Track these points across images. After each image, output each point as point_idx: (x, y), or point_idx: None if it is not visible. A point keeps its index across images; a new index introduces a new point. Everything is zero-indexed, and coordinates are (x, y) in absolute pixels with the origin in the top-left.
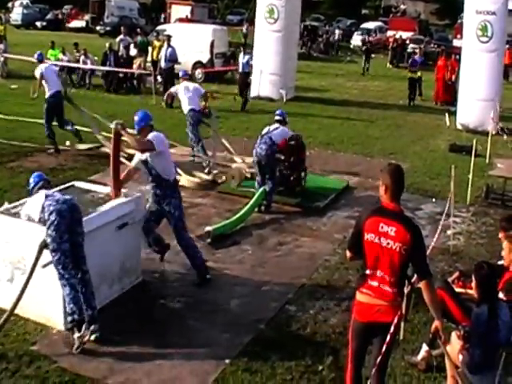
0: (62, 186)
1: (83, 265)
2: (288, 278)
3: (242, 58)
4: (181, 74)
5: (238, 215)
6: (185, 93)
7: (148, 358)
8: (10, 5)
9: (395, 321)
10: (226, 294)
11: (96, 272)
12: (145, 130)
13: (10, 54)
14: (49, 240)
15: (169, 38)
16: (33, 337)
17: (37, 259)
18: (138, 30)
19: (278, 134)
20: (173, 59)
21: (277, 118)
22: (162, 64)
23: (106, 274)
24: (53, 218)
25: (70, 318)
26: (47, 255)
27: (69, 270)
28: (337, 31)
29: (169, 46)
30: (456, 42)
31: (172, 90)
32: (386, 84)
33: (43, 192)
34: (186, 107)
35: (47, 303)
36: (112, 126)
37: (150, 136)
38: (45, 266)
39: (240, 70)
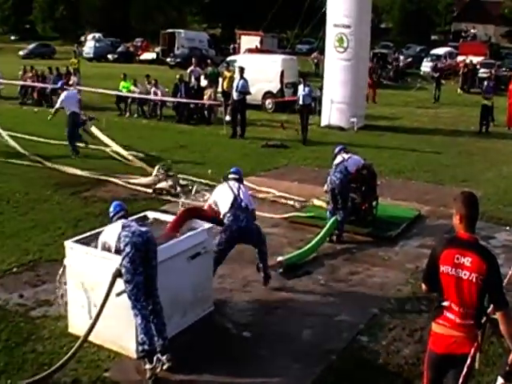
0: (135, 216)
1: (155, 296)
2: (359, 308)
3: (303, 90)
4: None
5: (309, 245)
6: None
7: None
8: (82, 38)
9: (472, 352)
10: (298, 324)
11: (168, 301)
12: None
13: (82, 86)
14: (123, 271)
15: (242, 69)
16: (106, 363)
17: (110, 288)
18: (209, 60)
19: (351, 163)
20: (245, 91)
21: (341, 148)
22: (234, 95)
23: (178, 304)
24: (128, 249)
25: (140, 348)
26: (121, 284)
27: (141, 301)
28: (403, 57)
29: (241, 77)
30: None
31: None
32: (457, 110)
33: (120, 222)
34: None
35: (120, 331)
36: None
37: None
38: (118, 294)
39: (300, 101)
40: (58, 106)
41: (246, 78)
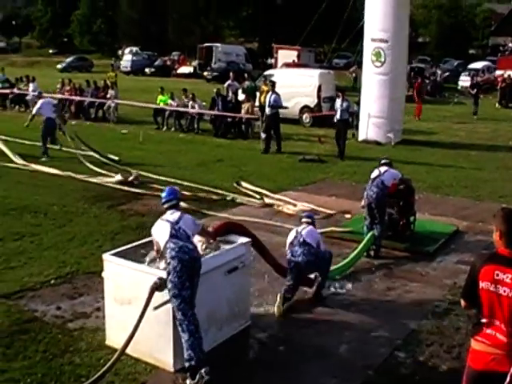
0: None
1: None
2: (397, 324)
3: (340, 105)
4: None
5: (347, 260)
6: None
7: None
8: (119, 52)
9: (511, 370)
10: (335, 339)
11: (205, 315)
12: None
13: (120, 99)
14: (170, 286)
15: (273, 83)
16: (142, 376)
17: (148, 301)
18: (246, 75)
19: (388, 177)
20: (277, 105)
21: (383, 161)
22: (267, 110)
23: (216, 318)
24: (175, 264)
25: (187, 364)
26: (159, 297)
27: (188, 315)
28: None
29: (273, 92)
30: None
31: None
32: (495, 125)
33: (170, 225)
34: None
35: (157, 344)
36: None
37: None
38: (156, 308)
39: (338, 116)
40: (34, 112)
41: (277, 93)
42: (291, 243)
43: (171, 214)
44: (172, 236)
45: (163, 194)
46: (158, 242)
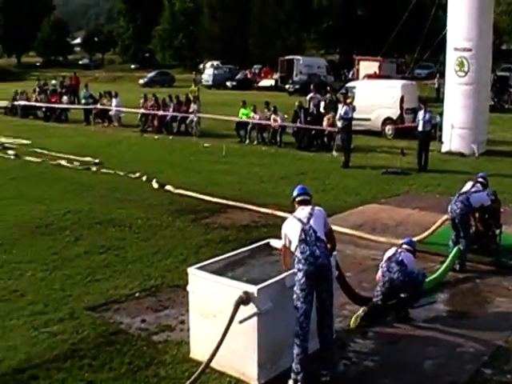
0: (257, 244)
1: (326, 318)
2: (483, 340)
3: (423, 116)
4: None
5: (435, 275)
6: None
7: None
8: (201, 66)
9: None
10: (420, 354)
11: (291, 330)
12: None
13: (202, 113)
14: (294, 296)
15: (344, 96)
16: None
17: (233, 315)
18: (328, 88)
19: (477, 199)
20: (347, 117)
21: (480, 179)
22: (338, 123)
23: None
24: (300, 276)
25: (293, 376)
26: (244, 311)
27: (305, 329)
28: None
29: (345, 103)
30: None
31: None
32: None
33: (300, 226)
34: None
35: (242, 358)
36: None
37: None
38: (242, 321)
39: (420, 128)
40: None
41: (348, 105)
42: (389, 258)
43: (302, 210)
44: (301, 241)
45: (294, 192)
46: (290, 239)
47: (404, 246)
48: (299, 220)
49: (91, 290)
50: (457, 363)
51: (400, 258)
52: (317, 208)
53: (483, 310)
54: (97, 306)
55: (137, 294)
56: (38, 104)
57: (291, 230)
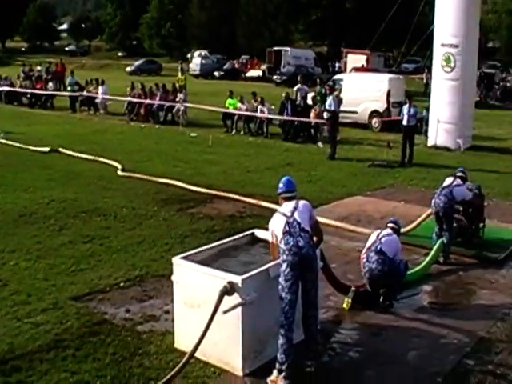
0: (242, 234)
1: (311, 309)
2: (466, 331)
3: (408, 110)
4: None
5: (418, 267)
6: None
7: None
8: (188, 55)
9: None
10: (403, 345)
11: (274, 321)
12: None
13: (189, 103)
14: (279, 287)
15: (331, 87)
16: (211, 380)
17: (217, 305)
18: (318, 80)
19: (459, 193)
20: (332, 110)
21: (459, 174)
22: (324, 115)
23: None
24: (284, 267)
25: (278, 366)
26: (228, 301)
27: (290, 320)
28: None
29: (330, 95)
30: None
31: None
32: None
33: (285, 219)
34: None
35: (226, 348)
36: None
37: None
38: (225, 312)
39: (404, 122)
40: None
41: (334, 98)
42: (369, 248)
43: (286, 206)
44: (285, 233)
45: (280, 185)
46: (276, 235)
47: (389, 225)
48: (283, 214)
49: (75, 280)
50: (440, 354)
51: (379, 247)
52: (301, 201)
53: (466, 302)
54: (81, 295)
55: (121, 284)
56: (22, 90)
57: (277, 224)
